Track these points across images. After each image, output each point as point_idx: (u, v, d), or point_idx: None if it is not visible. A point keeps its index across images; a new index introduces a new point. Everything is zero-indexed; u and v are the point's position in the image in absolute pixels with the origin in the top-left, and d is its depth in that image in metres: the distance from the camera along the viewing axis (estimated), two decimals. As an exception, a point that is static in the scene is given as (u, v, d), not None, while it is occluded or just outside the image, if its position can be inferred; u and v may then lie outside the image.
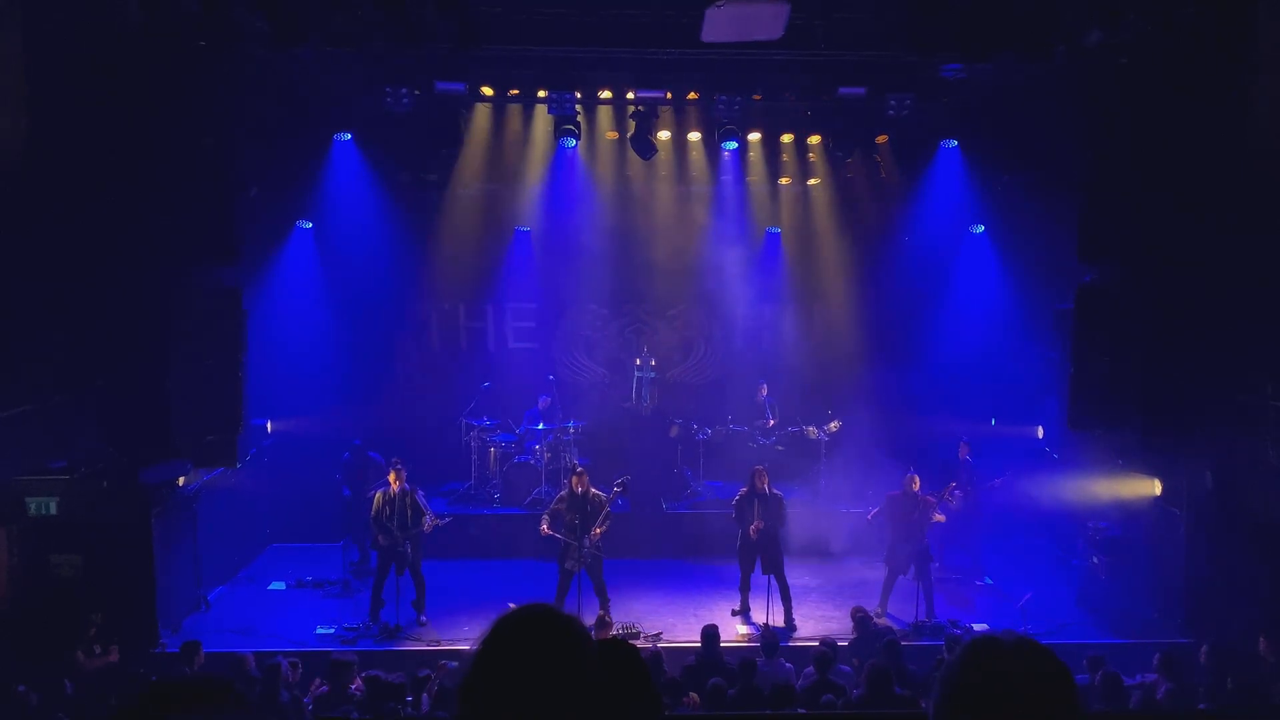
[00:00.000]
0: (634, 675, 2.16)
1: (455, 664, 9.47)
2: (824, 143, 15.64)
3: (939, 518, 12.27)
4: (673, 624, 12.09)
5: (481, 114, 15.13)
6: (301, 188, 14.87)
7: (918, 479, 12.31)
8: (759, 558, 12.19)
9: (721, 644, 10.17)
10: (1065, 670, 1.85)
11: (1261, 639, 9.81)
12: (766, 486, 12.19)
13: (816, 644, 9.99)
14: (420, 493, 12.22)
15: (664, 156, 15.49)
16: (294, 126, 13.81)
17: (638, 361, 16.23)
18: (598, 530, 11.62)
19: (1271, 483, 9.84)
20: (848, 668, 9.81)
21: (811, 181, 16.38)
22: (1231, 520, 10.84)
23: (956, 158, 15.47)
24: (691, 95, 13.87)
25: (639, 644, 10.93)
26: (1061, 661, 1.87)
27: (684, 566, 14.08)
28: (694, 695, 8.72)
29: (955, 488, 13.11)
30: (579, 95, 13.50)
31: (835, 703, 8.58)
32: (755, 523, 12.04)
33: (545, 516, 11.94)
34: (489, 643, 1.73)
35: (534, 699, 1.66)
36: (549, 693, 1.66)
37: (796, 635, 11.74)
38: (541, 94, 13.58)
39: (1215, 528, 11.10)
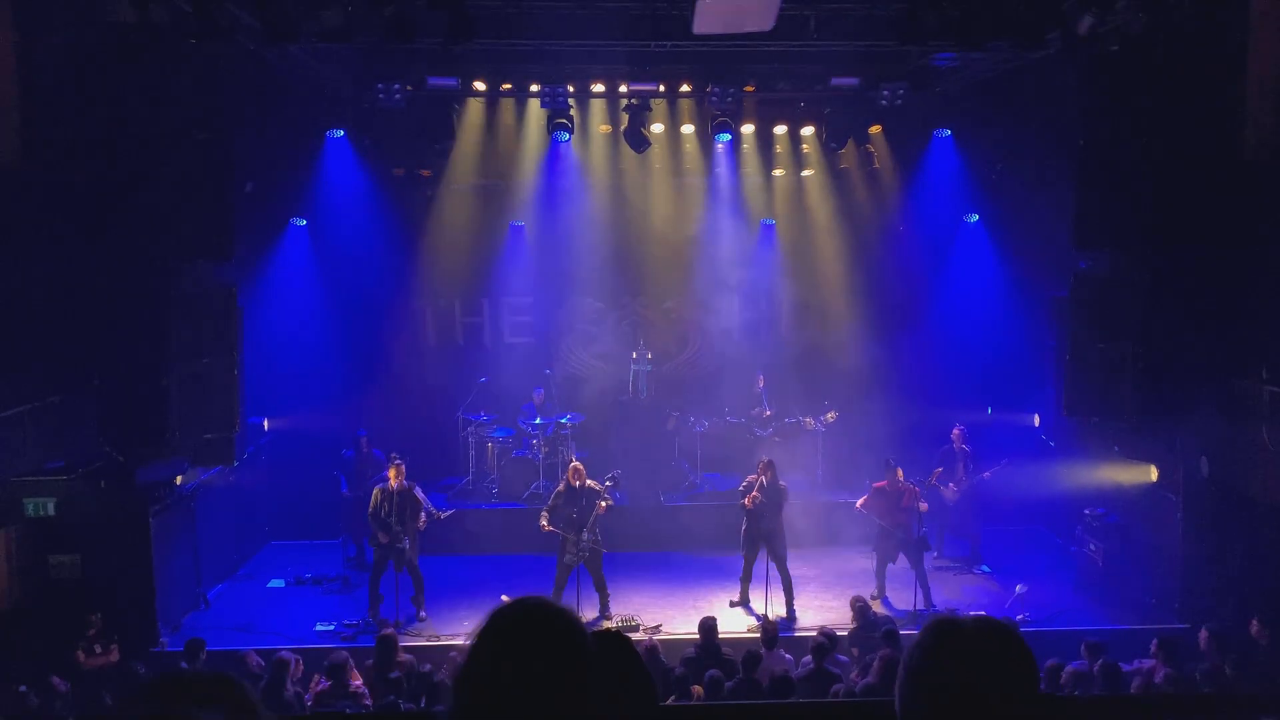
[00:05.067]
0: (630, 668, 2.17)
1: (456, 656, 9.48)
2: (817, 134, 15.63)
3: (923, 506, 12.33)
4: (672, 616, 12.12)
5: (474, 109, 15.11)
6: (295, 185, 14.86)
7: (900, 469, 12.38)
8: (763, 547, 12.23)
9: (720, 635, 10.20)
10: (1025, 648, 1.86)
11: (1254, 622, 9.85)
12: (767, 478, 12.19)
13: (815, 634, 10.03)
14: (419, 488, 12.24)
15: (658, 149, 15.48)
16: (287, 123, 13.79)
17: (634, 354, 16.22)
18: (601, 505, 11.65)
19: (1266, 466, 9.87)
20: (845, 657, 9.85)
21: (805, 173, 16.37)
22: (1227, 505, 10.88)
23: (950, 147, 15.47)
24: (684, 87, 13.87)
25: (638, 636, 10.96)
26: (1023, 639, 1.87)
27: (682, 558, 14.11)
28: (698, 689, 8.76)
29: (942, 472, 13.16)
30: (571, 89, 13.49)
31: (839, 691, 8.63)
32: (753, 493, 12.09)
33: (544, 512, 11.95)
34: (484, 636, 1.73)
35: (529, 692, 1.66)
36: (544, 686, 1.67)
37: (796, 625, 11.79)
38: (534, 88, 13.57)
39: (1211, 512, 11.14)
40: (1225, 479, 10.75)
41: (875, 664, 8.97)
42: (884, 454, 13.11)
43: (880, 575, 12.57)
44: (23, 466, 10.38)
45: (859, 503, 12.82)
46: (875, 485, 12.61)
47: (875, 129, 15.19)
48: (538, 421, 15.04)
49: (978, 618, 1.92)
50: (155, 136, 10.19)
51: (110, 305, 10.21)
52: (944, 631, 1.87)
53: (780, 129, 15.72)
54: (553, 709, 1.66)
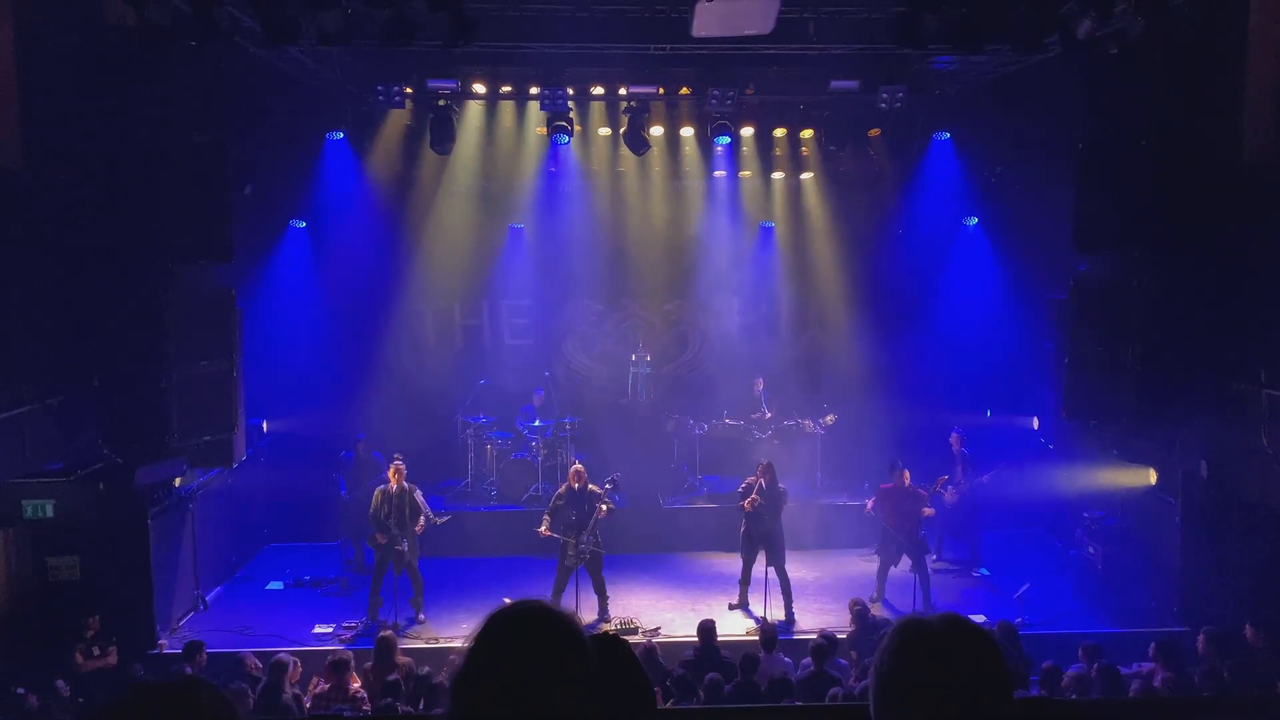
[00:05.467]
0: (628, 670, 2.16)
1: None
2: (817, 136, 15.64)
3: (928, 511, 12.33)
4: (671, 619, 12.11)
5: (474, 111, 15.12)
6: (295, 186, 14.86)
7: (908, 472, 12.36)
8: (762, 549, 12.22)
9: (719, 638, 10.19)
10: (994, 646, 1.84)
11: (1247, 626, 9.85)
12: (766, 480, 12.18)
13: (815, 637, 10.02)
14: (419, 491, 12.22)
15: (657, 152, 15.50)
16: (286, 125, 13.78)
17: (633, 357, 16.24)
18: (602, 508, 11.64)
19: (1265, 470, 9.87)
20: (845, 660, 9.84)
21: (805, 175, 16.38)
22: (1225, 508, 10.87)
23: (949, 150, 15.47)
24: (684, 90, 13.87)
25: (636, 639, 10.95)
26: (991, 638, 1.86)
27: (681, 561, 14.13)
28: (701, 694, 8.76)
29: (947, 480, 13.14)
30: (571, 91, 13.49)
31: (837, 695, 8.62)
32: (751, 496, 12.08)
33: (545, 516, 11.95)
34: (482, 638, 1.73)
35: (526, 694, 1.66)
36: (542, 688, 1.67)
37: (795, 628, 11.78)
38: (534, 90, 13.56)
39: (1209, 516, 11.13)
40: (1224, 482, 10.74)
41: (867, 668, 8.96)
42: (882, 456, 13.11)
43: (881, 578, 12.58)
44: (22, 468, 10.37)
45: (869, 505, 12.80)
46: (882, 487, 12.60)
47: (874, 132, 15.19)
48: (537, 424, 15.02)
49: (945, 617, 1.90)
50: (154, 138, 10.20)
51: (109, 307, 10.21)
52: (912, 632, 1.86)
53: (779, 132, 15.73)
54: (551, 711, 1.66)
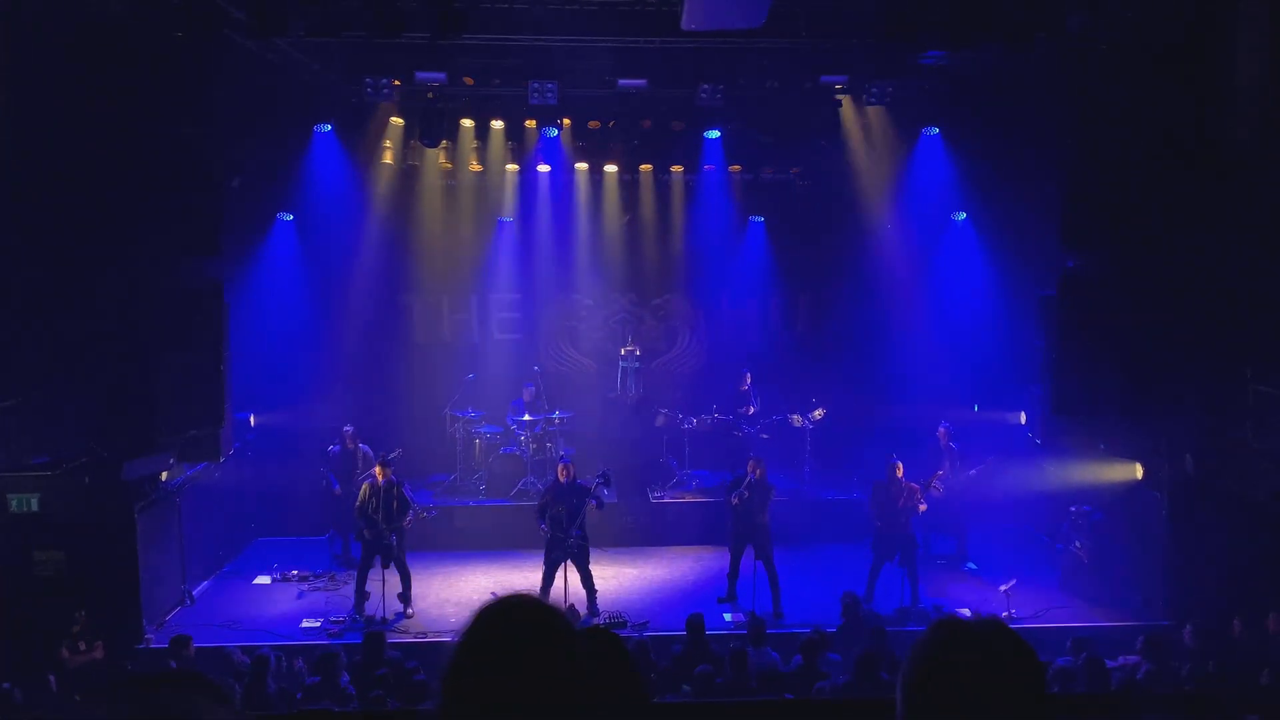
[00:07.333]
0: (618, 665, 2.16)
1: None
2: (807, 131, 15.61)
3: (922, 507, 12.32)
4: (659, 613, 12.12)
5: (462, 104, 15.04)
6: (283, 179, 14.78)
7: (901, 465, 12.35)
8: (749, 545, 12.23)
9: (708, 632, 10.19)
10: (1030, 649, 1.85)
11: (1236, 621, 9.90)
12: (755, 475, 12.19)
13: (808, 631, 10.02)
14: (406, 485, 12.20)
15: (646, 146, 15.46)
16: (274, 117, 13.71)
17: (623, 351, 16.23)
18: (591, 505, 11.66)
19: (1251, 465, 9.92)
20: (836, 655, 9.85)
21: (794, 170, 16.38)
22: (1212, 503, 10.93)
23: (938, 145, 15.48)
24: (674, 85, 13.83)
25: (625, 633, 10.95)
26: (1026, 641, 1.87)
27: (670, 555, 14.13)
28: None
29: (943, 475, 13.15)
30: (560, 85, 13.43)
31: (825, 689, 8.64)
32: (740, 490, 12.10)
33: (537, 513, 11.97)
34: (470, 634, 1.72)
35: (516, 690, 1.66)
36: (531, 683, 1.66)
37: (784, 623, 11.80)
38: (523, 83, 13.51)
39: (1196, 510, 11.19)
40: (1210, 476, 10.80)
41: (852, 662, 9.00)
42: (871, 450, 13.11)
43: (873, 577, 12.35)
44: (7, 462, 10.32)
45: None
46: (875, 481, 12.57)
47: (864, 128, 15.16)
48: (525, 418, 15.00)
49: (982, 619, 1.91)
50: (142, 132, 10.14)
51: (96, 300, 10.15)
52: (950, 633, 1.86)
53: (769, 126, 15.70)
54: (540, 707, 1.66)
